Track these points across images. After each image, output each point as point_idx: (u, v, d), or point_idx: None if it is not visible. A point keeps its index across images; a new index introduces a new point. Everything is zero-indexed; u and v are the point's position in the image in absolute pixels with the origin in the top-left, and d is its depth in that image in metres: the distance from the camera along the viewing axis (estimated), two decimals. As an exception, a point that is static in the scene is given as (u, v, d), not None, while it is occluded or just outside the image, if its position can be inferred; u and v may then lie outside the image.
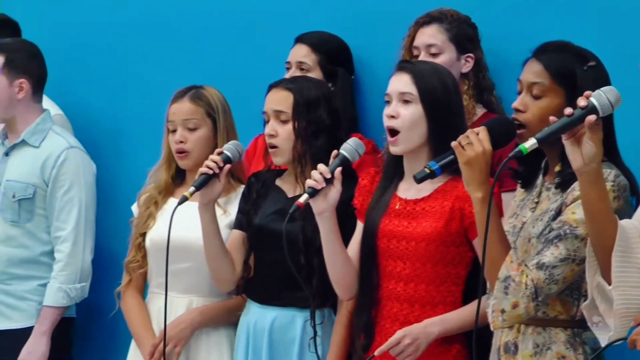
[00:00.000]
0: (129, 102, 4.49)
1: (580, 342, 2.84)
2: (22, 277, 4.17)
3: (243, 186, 3.64)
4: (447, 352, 3.14)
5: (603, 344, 2.65)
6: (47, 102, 4.32)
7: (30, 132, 4.19)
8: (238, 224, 3.55)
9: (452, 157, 2.89)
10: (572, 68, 2.85)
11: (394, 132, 3.14)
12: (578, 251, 2.76)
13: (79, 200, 4.15)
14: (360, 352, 3.21)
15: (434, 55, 3.65)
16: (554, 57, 2.87)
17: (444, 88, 3.14)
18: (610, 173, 2.76)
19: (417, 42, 3.71)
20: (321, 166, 3.11)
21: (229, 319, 3.64)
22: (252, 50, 4.23)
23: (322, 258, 3.27)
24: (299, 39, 3.91)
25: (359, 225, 3.28)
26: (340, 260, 3.20)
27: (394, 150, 3.16)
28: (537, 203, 2.92)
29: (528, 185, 2.99)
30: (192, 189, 3.35)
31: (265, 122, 3.48)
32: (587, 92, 2.58)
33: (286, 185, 3.51)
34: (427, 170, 2.91)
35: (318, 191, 3.10)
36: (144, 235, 3.70)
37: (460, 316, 3.11)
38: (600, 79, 2.85)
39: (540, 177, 2.96)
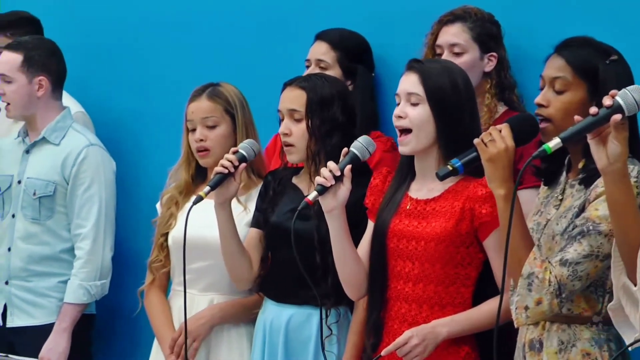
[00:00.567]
0: (150, 100, 4.49)
1: (605, 339, 2.83)
2: (43, 274, 4.18)
3: None
4: (455, 354, 3.11)
5: (628, 342, 2.63)
6: (68, 100, 4.33)
7: (51, 130, 4.20)
8: (255, 222, 3.55)
9: (474, 154, 2.88)
10: (594, 62, 2.85)
11: (405, 131, 3.12)
12: (601, 247, 2.75)
13: (99, 197, 4.16)
14: (369, 352, 3.19)
15: (457, 54, 3.63)
16: (576, 52, 2.87)
17: (454, 88, 3.11)
18: (633, 169, 2.75)
19: (440, 41, 3.69)
20: (331, 163, 3.10)
21: (246, 317, 3.64)
22: (273, 47, 4.23)
23: None
24: (319, 37, 3.90)
25: (370, 225, 3.26)
26: (349, 259, 3.18)
27: (403, 150, 3.14)
28: (561, 200, 2.91)
29: (551, 182, 2.98)
30: (207, 188, 3.34)
31: (280, 121, 3.47)
32: (612, 91, 2.56)
33: (302, 183, 3.50)
34: (450, 168, 2.90)
35: (327, 189, 3.08)
36: (166, 235, 3.71)
37: (470, 317, 3.08)
38: (623, 73, 2.85)
39: (564, 174, 2.95)
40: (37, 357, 4.01)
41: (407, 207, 3.16)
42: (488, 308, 3.06)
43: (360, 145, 3.15)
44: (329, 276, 3.33)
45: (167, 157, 3.82)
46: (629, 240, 2.60)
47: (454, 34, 3.66)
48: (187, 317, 3.56)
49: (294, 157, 3.46)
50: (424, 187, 3.15)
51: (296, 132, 3.42)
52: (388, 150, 3.70)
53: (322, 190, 3.08)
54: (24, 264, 4.18)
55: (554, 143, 2.57)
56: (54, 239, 4.18)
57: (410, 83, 3.12)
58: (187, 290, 3.55)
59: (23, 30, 4.48)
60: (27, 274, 4.18)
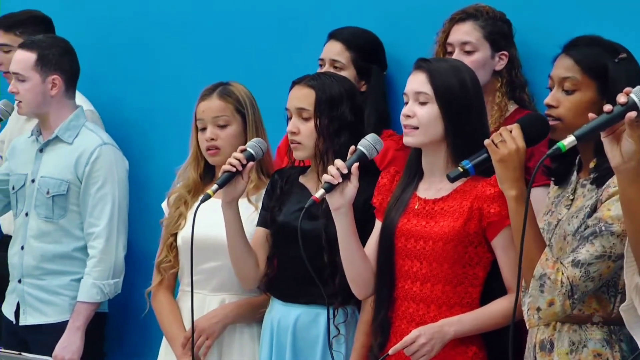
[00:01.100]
0: (160, 99, 4.50)
1: (616, 340, 2.82)
2: (56, 272, 4.20)
3: None
4: (463, 353, 3.11)
5: None
6: (79, 98, 4.33)
7: (64, 129, 4.21)
8: (262, 221, 3.54)
9: (485, 155, 2.88)
10: (603, 61, 2.84)
11: (412, 129, 3.12)
12: (614, 248, 2.74)
13: (112, 196, 4.17)
14: (376, 351, 3.19)
15: (469, 52, 3.63)
16: (585, 51, 2.86)
17: (462, 87, 3.11)
18: None
19: (451, 39, 3.69)
20: (338, 161, 3.10)
21: (256, 316, 3.64)
22: (284, 46, 4.22)
23: None
24: (332, 36, 3.89)
25: (377, 224, 3.26)
26: (356, 257, 3.18)
27: (407, 140, 3.13)
28: (572, 200, 2.90)
29: (561, 182, 2.97)
30: (215, 186, 3.33)
31: (288, 119, 3.47)
32: (627, 89, 2.54)
33: (310, 182, 3.49)
34: (461, 169, 2.90)
35: (335, 186, 3.08)
36: (175, 235, 3.71)
37: (478, 317, 3.08)
38: (632, 71, 2.84)
39: (575, 173, 2.94)
40: (49, 355, 4.00)
41: (416, 207, 3.16)
42: (496, 308, 3.06)
43: (368, 143, 3.14)
44: (337, 276, 3.33)
45: (177, 156, 3.82)
46: None
47: (465, 32, 3.66)
48: (198, 317, 3.58)
49: (300, 153, 3.46)
50: (432, 187, 3.15)
51: (304, 131, 3.42)
52: (401, 149, 3.69)
53: (330, 187, 3.08)
54: (36, 262, 4.19)
55: (569, 141, 2.56)
56: (66, 237, 4.19)
57: (418, 82, 3.12)
58: (197, 291, 3.58)
59: (33, 29, 4.50)
60: (40, 273, 4.20)
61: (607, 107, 2.54)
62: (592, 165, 2.86)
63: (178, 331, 3.67)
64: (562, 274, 2.75)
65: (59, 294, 4.19)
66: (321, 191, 3.08)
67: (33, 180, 4.21)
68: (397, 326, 3.16)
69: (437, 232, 3.08)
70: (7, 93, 4.27)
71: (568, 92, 2.86)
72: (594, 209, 2.80)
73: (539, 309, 2.77)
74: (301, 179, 3.52)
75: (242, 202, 3.50)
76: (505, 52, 3.67)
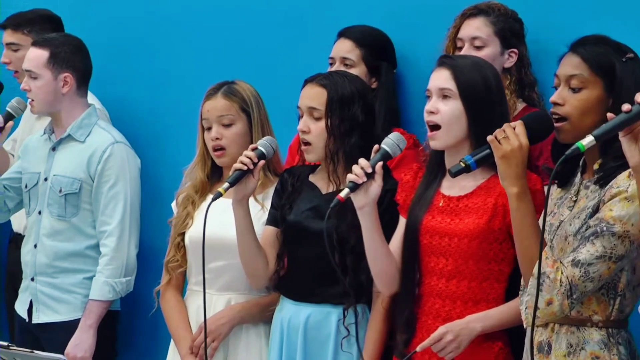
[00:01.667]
0: (169, 98, 4.50)
1: (614, 342, 2.79)
2: (68, 270, 4.20)
3: None
4: (489, 349, 3.12)
5: None
6: (88, 97, 4.34)
7: (76, 127, 4.21)
8: (271, 220, 3.53)
9: (487, 151, 2.87)
10: (611, 59, 2.82)
11: (434, 128, 3.12)
12: (615, 249, 2.71)
13: (124, 195, 4.17)
14: (402, 347, 3.19)
15: (478, 48, 3.63)
16: (592, 50, 2.84)
17: (485, 83, 3.11)
18: None
19: (461, 34, 3.68)
20: (362, 160, 3.10)
21: (263, 316, 3.63)
22: (293, 45, 4.21)
23: (355, 257, 3.26)
24: (342, 34, 3.88)
25: (402, 221, 3.26)
26: (381, 254, 3.18)
27: (434, 144, 3.14)
28: (575, 201, 2.87)
29: (564, 184, 2.95)
30: (226, 184, 3.32)
31: (299, 117, 3.46)
32: None
33: (320, 181, 3.48)
34: (462, 165, 2.90)
35: (359, 185, 3.09)
36: (183, 234, 3.70)
37: (504, 313, 3.09)
38: (639, 71, 2.81)
39: (579, 175, 2.91)
40: (61, 353, 4.02)
41: (440, 204, 3.16)
42: None
43: (392, 141, 3.14)
44: (347, 276, 3.31)
45: (186, 155, 3.81)
46: None
47: (476, 28, 3.65)
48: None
49: (311, 156, 3.45)
50: (456, 184, 3.15)
51: (315, 130, 3.40)
52: (410, 147, 3.67)
53: (354, 187, 3.09)
54: (49, 260, 4.20)
55: (588, 141, 2.54)
56: (79, 235, 4.20)
57: (442, 78, 3.11)
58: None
59: (41, 27, 4.52)
60: (52, 271, 4.20)
61: (626, 107, 2.52)
62: (596, 166, 2.84)
63: (184, 332, 3.67)
64: (562, 273, 2.73)
65: (72, 292, 4.20)
66: (346, 190, 3.08)
67: (46, 179, 4.22)
68: (423, 322, 3.17)
69: (462, 229, 3.09)
70: (18, 91, 4.28)
71: (575, 90, 2.84)
72: (596, 210, 2.77)
73: (537, 308, 2.73)
74: (311, 178, 3.51)
75: (249, 201, 3.48)
76: (515, 50, 3.66)
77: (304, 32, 4.19)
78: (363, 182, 3.08)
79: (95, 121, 4.24)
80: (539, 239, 2.78)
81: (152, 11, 4.56)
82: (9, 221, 4.56)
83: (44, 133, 4.28)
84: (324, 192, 3.44)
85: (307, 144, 3.42)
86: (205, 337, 3.42)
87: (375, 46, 3.87)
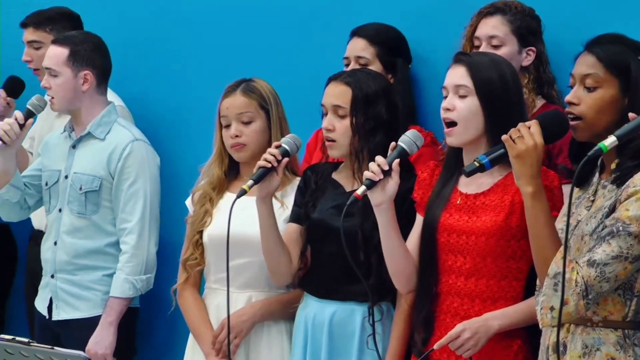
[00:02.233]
0: (189, 95, 4.52)
1: (630, 343, 2.77)
2: (88, 267, 4.22)
3: (298, 178, 3.63)
4: (508, 347, 3.12)
5: None
6: (109, 95, 4.35)
7: (96, 125, 4.23)
8: (295, 217, 3.54)
9: (502, 150, 2.87)
10: (625, 59, 2.81)
11: (451, 124, 3.12)
12: (631, 249, 2.69)
13: (144, 192, 4.18)
14: (420, 346, 3.19)
15: (496, 47, 3.62)
16: (608, 48, 2.83)
17: (502, 80, 3.11)
18: None
19: (478, 33, 3.67)
20: (379, 158, 3.10)
21: (284, 313, 3.63)
22: (311, 43, 4.22)
23: (380, 255, 3.25)
24: (355, 33, 3.88)
25: (419, 219, 3.26)
26: (398, 253, 3.18)
27: (450, 141, 3.13)
28: (592, 201, 2.86)
29: (582, 184, 2.93)
30: (250, 182, 3.33)
31: (323, 115, 3.46)
32: None
33: (343, 179, 3.49)
34: (477, 164, 2.89)
35: (376, 183, 3.09)
36: (201, 232, 3.70)
37: (522, 311, 3.08)
38: None
39: (597, 175, 2.90)
40: (82, 349, 4.02)
41: (458, 202, 3.16)
42: None
43: (409, 139, 3.15)
44: (372, 274, 3.31)
45: (205, 153, 3.81)
46: None
47: (493, 26, 3.64)
48: (226, 315, 3.58)
49: (335, 152, 3.45)
50: (473, 182, 3.14)
51: (339, 128, 3.41)
52: (428, 145, 3.68)
53: (371, 184, 3.09)
54: (69, 257, 4.22)
55: (610, 141, 2.54)
56: (99, 233, 4.21)
57: (458, 75, 3.11)
58: (222, 288, 3.59)
59: (62, 25, 4.54)
60: (72, 268, 4.22)
61: None
62: (613, 165, 2.82)
63: (205, 328, 3.67)
64: (577, 273, 2.71)
65: (92, 289, 4.21)
66: (362, 188, 3.09)
67: (66, 177, 4.24)
68: (441, 320, 3.17)
69: (480, 226, 3.09)
70: (38, 89, 4.30)
71: (590, 90, 2.83)
72: (612, 209, 2.76)
73: (552, 308, 2.73)
74: (334, 176, 3.52)
75: None
76: (533, 48, 3.64)
77: (320, 30, 4.20)
78: (380, 180, 3.08)
79: (115, 119, 4.26)
80: (553, 238, 2.78)
81: (171, 10, 4.57)
82: (29, 218, 4.57)
83: (64, 131, 4.30)
84: (347, 189, 3.45)
85: (331, 141, 3.43)
86: (229, 333, 3.44)
87: (389, 43, 3.87)
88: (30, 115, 4.18)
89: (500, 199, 3.10)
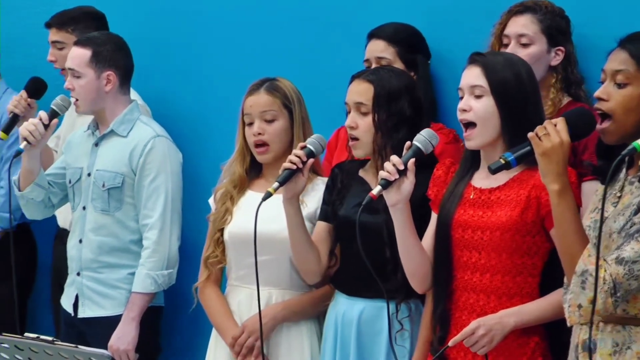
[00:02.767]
0: (210, 94, 4.52)
1: (661, 341, 2.75)
2: (113, 265, 4.22)
3: (319, 178, 3.64)
4: (525, 344, 3.10)
5: None
6: (130, 93, 4.35)
7: (119, 122, 4.24)
8: (323, 216, 3.55)
9: (528, 148, 2.85)
10: None
11: (468, 125, 3.11)
12: None
13: (165, 188, 4.18)
14: (436, 344, 3.18)
15: (525, 45, 3.60)
16: None
17: (517, 80, 3.10)
18: None
19: (508, 31, 3.65)
20: (394, 157, 3.10)
21: (315, 311, 3.64)
22: (333, 43, 4.22)
23: None
24: (373, 35, 3.87)
25: (433, 217, 3.25)
26: (414, 252, 3.18)
27: (469, 145, 3.13)
28: (619, 197, 2.84)
29: (609, 180, 2.90)
30: (275, 184, 3.34)
31: (347, 113, 3.46)
32: None
33: (369, 176, 3.49)
34: (502, 161, 2.88)
35: (391, 183, 3.08)
36: (222, 230, 3.71)
37: (538, 307, 3.06)
38: None
39: (624, 171, 2.88)
40: (106, 348, 4.05)
41: (471, 197, 3.15)
42: (556, 298, 3.01)
43: (424, 138, 3.14)
44: (399, 270, 3.31)
45: (227, 151, 3.81)
46: None
47: (522, 25, 3.62)
48: (248, 314, 3.61)
49: (359, 151, 3.46)
50: (489, 177, 3.13)
51: (362, 126, 3.41)
52: (450, 142, 3.69)
53: (386, 184, 3.08)
54: (94, 255, 4.22)
55: None
56: (122, 230, 4.22)
57: (473, 76, 3.10)
58: (245, 285, 3.63)
59: (86, 25, 4.54)
60: (97, 265, 4.22)
61: None
62: (640, 162, 2.81)
63: (229, 323, 3.68)
64: (605, 271, 2.69)
65: (117, 288, 4.21)
66: (378, 188, 3.08)
67: (89, 174, 4.24)
68: (457, 317, 3.15)
69: (495, 222, 3.08)
70: (63, 89, 4.30)
71: (620, 86, 2.82)
72: (640, 206, 2.74)
73: (580, 306, 2.71)
74: (361, 173, 3.53)
75: None
76: (562, 48, 3.62)
77: (342, 30, 4.19)
78: (395, 179, 3.07)
79: (138, 116, 4.27)
80: (579, 235, 2.77)
81: (193, 9, 4.58)
82: (54, 217, 4.58)
83: (88, 129, 4.31)
84: (373, 186, 3.44)
85: (354, 139, 3.44)
86: (262, 335, 3.44)
87: (408, 40, 3.86)
88: (54, 115, 4.19)
89: (516, 194, 3.08)
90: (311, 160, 3.39)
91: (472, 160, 3.19)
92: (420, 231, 3.21)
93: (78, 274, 4.25)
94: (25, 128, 4.11)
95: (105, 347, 4.05)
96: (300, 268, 3.54)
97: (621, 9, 3.64)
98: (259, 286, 3.35)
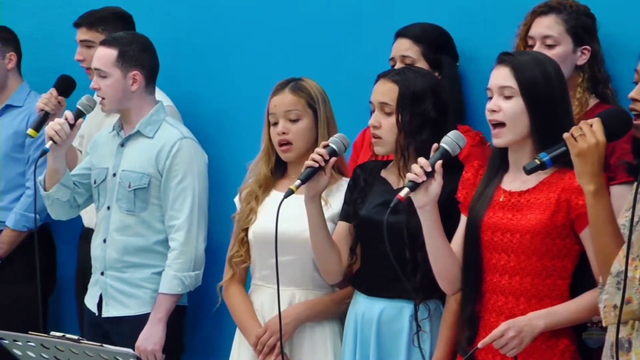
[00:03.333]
0: (237, 95, 4.53)
1: (696, 340, 2.76)
2: (138, 265, 4.24)
3: (344, 178, 3.65)
4: (554, 347, 3.10)
5: None
6: (158, 94, 4.37)
7: (145, 123, 4.25)
8: (344, 215, 3.55)
9: (564, 148, 2.85)
10: None
11: (497, 125, 3.11)
12: None
13: (192, 189, 4.20)
14: (465, 345, 3.18)
15: (550, 47, 3.58)
16: None
17: (546, 79, 3.09)
18: None
19: (532, 32, 3.64)
20: (422, 159, 3.10)
21: (337, 311, 3.64)
22: (359, 43, 4.22)
23: (426, 252, 3.24)
24: (399, 34, 3.87)
25: (462, 219, 3.25)
26: (443, 253, 3.18)
27: (497, 142, 3.12)
28: (653, 196, 2.84)
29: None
30: (297, 182, 3.34)
31: (371, 112, 3.47)
32: None
33: (391, 176, 3.50)
34: (538, 162, 2.89)
35: (419, 185, 3.08)
36: (246, 230, 3.72)
37: (568, 310, 3.06)
38: None
39: (659, 169, 2.88)
40: (130, 347, 4.03)
41: (501, 199, 3.14)
42: (586, 300, 3.03)
43: (451, 140, 3.14)
44: (418, 271, 3.32)
45: (253, 151, 3.83)
46: None
47: (547, 26, 3.61)
48: (271, 314, 3.61)
49: (380, 149, 3.46)
50: (518, 179, 3.13)
51: (385, 126, 3.42)
52: (477, 145, 3.68)
53: (414, 186, 3.08)
54: (119, 255, 4.24)
55: None
56: (148, 230, 4.23)
57: (502, 76, 3.10)
58: (268, 285, 3.63)
59: (114, 25, 4.56)
60: (122, 265, 4.24)
61: None
62: (675, 160, 2.81)
63: (252, 322, 3.69)
64: (638, 270, 2.70)
65: (141, 287, 4.23)
66: (405, 190, 3.08)
67: (115, 174, 4.26)
68: (486, 320, 3.15)
69: (525, 224, 3.07)
70: (88, 89, 4.32)
71: None
72: (676, 206, 2.74)
73: (615, 307, 2.72)
74: (383, 173, 3.53)
75: None
76: (588, 47, 3.61)
77: (368, 31, 4.20)
78: (423, 181, 3.07)
79: (164, 117, 4.28)
80: (615, 236, 2.77)
81: (219, 10, 4.58)
82: (80, 217, 4.60)
83: (113, 129, 4.32)
84: (395, 187, 3.46)
85: (377, 137, 3.43)
86: (281, 334, 3.43)
87: (434, 41, 3.85)
88: (80, 115, 4.21)
89: (546, 197, 3.08)
90: (333, 158, 3.39)
91: (500, 162, 3.19)
92: (446, 232, 3.21)
93: (102, 273, 4.27)
94: (51, 128, 4.12)
95: (129, 346, 4.03)
96: (321, 268, 3.55)
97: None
98: (279, 285, 3.36)
